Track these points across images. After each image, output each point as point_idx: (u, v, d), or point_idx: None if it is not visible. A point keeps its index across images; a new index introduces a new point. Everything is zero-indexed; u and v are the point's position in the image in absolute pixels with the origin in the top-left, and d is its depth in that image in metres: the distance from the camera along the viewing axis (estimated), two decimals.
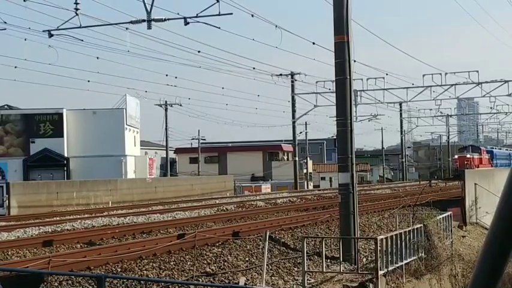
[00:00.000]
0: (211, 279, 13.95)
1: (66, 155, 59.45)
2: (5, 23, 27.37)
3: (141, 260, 14.28)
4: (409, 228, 18.10)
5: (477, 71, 48.58)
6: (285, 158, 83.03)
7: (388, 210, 25.98)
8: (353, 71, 17.69)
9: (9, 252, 15.45)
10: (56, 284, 12.00)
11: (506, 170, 33.11)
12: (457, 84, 50.03)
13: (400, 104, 67.11)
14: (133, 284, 12.43)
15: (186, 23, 24.85)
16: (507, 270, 1.80)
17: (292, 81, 56.18)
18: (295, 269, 15.78)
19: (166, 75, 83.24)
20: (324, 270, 15.50)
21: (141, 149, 70.49)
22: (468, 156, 65.93)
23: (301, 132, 70.59)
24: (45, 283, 11.88)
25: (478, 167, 65.60)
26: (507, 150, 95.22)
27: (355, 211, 17.19)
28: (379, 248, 14.85)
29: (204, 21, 24.86)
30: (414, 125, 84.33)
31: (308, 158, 74.40)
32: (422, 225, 19.02)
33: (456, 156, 69.71)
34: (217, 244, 16.60)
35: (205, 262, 14.99)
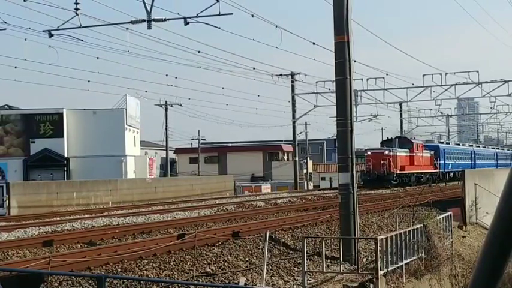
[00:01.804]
0: (211, 279, 13.96)
1: (66, 155, 59.46)
2: (5, 23, 27.39)
3: (141, 260, 14.28)
4: (409, 229, 18.10)
5: (477, 71, 48.68)
6: (285, 158, 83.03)
7: (388, 210, 25.98)
8: (353, 71, 17.70)
9: (9, 252, 15.45)
10: (56, 284, 12.00)
11: (506, 170, 33.08)
12: (457, 84, 50.09)
13: (400, 104, 66.99)
14: (133, 284, 12.43)
15: (186, 23, 24.87)
16: (507, 270, 1.80)
17: (292, 81, 56.18)
18: (295, 269, 15.78)
19: (167, 75, 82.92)
20: (324, 270, 15.50)
21: (141, 149, 70.52)
22: (387, 153, 45.92)
23: (301, 132, 70.64)
24: (45, 283, 11.88)
25: (404, 169, 47.33)
26: (471, 146, 73.40)
27: (355, 211, 17.19)
28: (379, 248, 14.85)
29: (204, 21, 24.89)
30: (414, 125, 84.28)
31: (308, 158, 74.40)
32: (422, 225, 19.03)
33: (369, 153, 47.43)
34: (217, 244, 16.60)
35: (205, 262, 14.99)
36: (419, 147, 51.45)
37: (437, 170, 53.96)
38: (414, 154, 49.87)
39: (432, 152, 54.34)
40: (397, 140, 50.84)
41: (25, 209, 32.83)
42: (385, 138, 56.94)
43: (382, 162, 45.25)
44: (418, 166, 50.40)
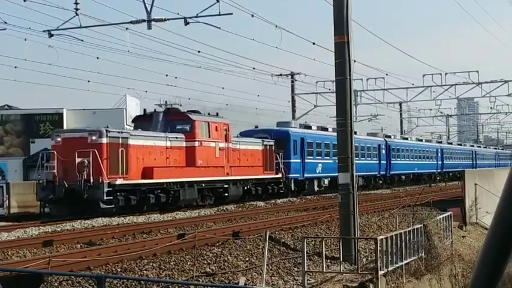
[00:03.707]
0: (211, 279, 13.95)
1: None
2: (5, 23, 27.39)
3: (141, 260, 14.28)
4: (409, 229, 18.09)
5: (477, 71, 48.75)
6: None
7: (388, 210, 25.99)
8: (353, 71, 17.71)
9: (9, 252, 15.44)
10: (56, 284, 11.99)
11: (506, 170, 33.08)
12: (457, 84, 50.17)
13: (400, 104, 67.05)
14: (134, 284, 12.42)
15: (186, 23, 24.88)
16: (507, 270, 1.80)
17: (292, 81, 56.18)
18: (295, 269, 15.78)
19: (167, 75, 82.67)
20: (324, 270, 15.50)
21: None
22: (94, 139, 23.30)
23: None
24: (45, 283, 11.88)
25: (152, 174, 24.92)
26: (388, 137, 49.85)
27: (355, 211, 17.19)
28: (379, 248, 14.85)
29: (204, 21, 24.90)
30: (414, 125, 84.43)
31: None
32: (422, 225, 19.02)
33: (58, 139, 24.12)
34: (217, 244, 16.60)
35: (205, 262, 14.99)
36: (218, 131, 28.69)
37: (280, 176, 32.51)
38: (197, 144, 27.55)
39: (271, 143, 32.29)
40: (160, 115, 27.74)
41: (25, 209, 32.79)
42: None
43: (79, 161, 23.14)
44: (208, 170, 28.00)
